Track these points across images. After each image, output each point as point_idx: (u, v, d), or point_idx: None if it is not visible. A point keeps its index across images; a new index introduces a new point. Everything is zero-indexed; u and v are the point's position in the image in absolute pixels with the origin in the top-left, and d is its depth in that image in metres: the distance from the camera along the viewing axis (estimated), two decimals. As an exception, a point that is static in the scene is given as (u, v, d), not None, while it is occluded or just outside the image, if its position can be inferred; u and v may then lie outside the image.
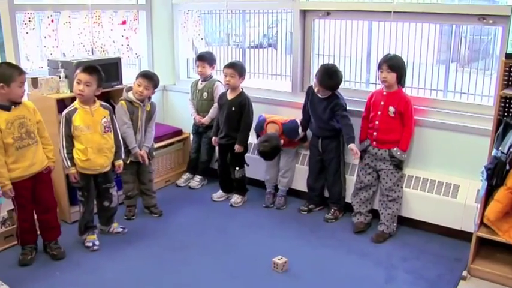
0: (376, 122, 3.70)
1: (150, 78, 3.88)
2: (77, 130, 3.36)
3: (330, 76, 3.79)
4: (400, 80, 3.63)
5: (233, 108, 4.14)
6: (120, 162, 3.65)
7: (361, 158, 3.82)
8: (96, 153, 3.43)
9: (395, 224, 3.75)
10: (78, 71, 3.39)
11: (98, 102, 3.50)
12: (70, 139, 3.39)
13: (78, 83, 3.35)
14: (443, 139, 3.69)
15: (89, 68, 3.40)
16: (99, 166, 3.49)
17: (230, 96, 4.18)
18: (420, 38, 3.85)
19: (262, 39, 5.14)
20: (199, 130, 4.70)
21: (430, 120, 3.70)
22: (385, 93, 3.68)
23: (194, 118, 4.64)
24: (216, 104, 4.43)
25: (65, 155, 3.38)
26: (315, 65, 4.35)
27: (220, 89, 4.47)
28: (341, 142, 3.99)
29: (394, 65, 3.57)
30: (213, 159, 4.71)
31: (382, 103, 3.67)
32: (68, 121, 3.35)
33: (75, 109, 3.38)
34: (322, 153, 4.05)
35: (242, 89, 4.20)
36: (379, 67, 3.63)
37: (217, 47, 5.19)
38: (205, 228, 3.91)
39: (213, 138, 4.37)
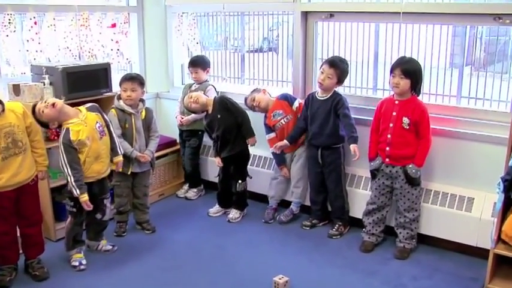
0: (388, 136, 3.46)
1: (132, 78, 3.79)
2: (80, 145, 3.23)
3: (341, 60, 3.78)
4: (415, 87, 3.40)
5: (219, 116, 4.08)
6: (120, 158, 3.57)
7: (373, 177, 3.64)
8: (93, 161, 3.34)
9: (414, 241, 3.61)
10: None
11: (83, 108, 3.37)
12: (75, 164, 3.23)
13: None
14: (456, 148, 3.55)
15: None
16: (96, 173, 3.38)
17: (210, 109, 4.13)
18: (431, 40, 3.75)
19: (263, 43, 5.08)
20: (183, 137, 4.64)
21: (442, 128, 3.56)
22: (396, 102, 3.45)
23: (176, 117, 4.57)
24: None
25: (73, 183, 3.22)
26: (317, 70, 4.21)
27: (212, 92, 4.46)
28: (341, 153, 3.85)
29: (409, 70, 3.34)
30: (198, 168, 4.67)
31: (394, 113, 3.44)
32: (68, 146, 3.20)
33: (67, 130, 3.22)
34: (322, 166, 3.88)
35: (215, 97, 4.23)
36: (392, 71, 3.41)
37: (214, 52, 5.11)
38: (201, 246, 3.80)
39: (217, 159, 4.24)
